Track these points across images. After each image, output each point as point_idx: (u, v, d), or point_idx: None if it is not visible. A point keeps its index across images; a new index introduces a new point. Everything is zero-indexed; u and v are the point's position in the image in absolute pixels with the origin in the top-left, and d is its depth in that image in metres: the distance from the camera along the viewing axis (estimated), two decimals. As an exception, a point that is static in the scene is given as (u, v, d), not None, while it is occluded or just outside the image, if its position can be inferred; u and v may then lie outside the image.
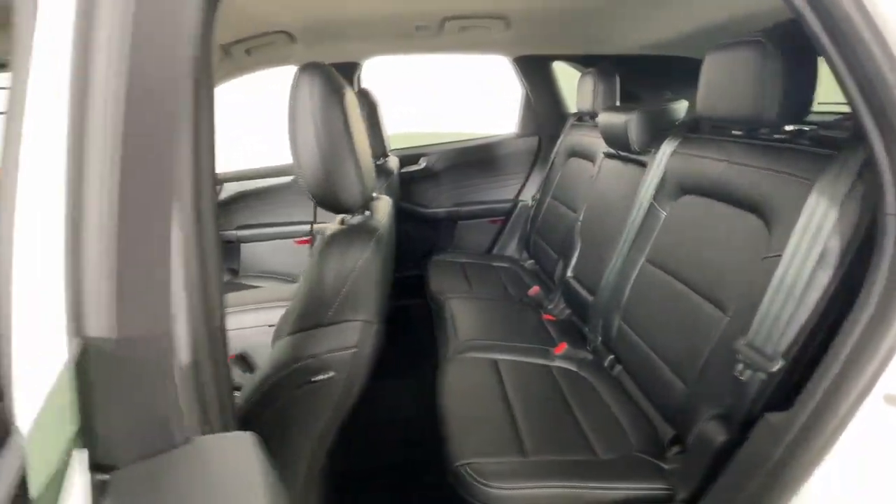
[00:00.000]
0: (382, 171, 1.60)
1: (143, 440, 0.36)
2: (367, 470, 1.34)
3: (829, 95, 0.81)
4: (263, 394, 0.71)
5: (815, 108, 0.84)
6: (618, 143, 1.36)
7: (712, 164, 0.99)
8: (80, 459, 0.35)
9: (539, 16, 1.60)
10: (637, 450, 0.94)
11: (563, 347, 1.31)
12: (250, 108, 3.38)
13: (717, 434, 0.78)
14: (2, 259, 0.36)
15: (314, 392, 0.75)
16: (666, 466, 0.89)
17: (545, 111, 2.20)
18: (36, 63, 0.36)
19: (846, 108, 0.62)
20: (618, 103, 1.66)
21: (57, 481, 0.33)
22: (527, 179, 2.28)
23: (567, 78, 2.20)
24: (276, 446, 0.61)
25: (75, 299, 0.35)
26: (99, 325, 0.35)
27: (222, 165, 2.23)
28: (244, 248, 2.21)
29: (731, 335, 0.84)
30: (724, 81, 0.89)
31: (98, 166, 0.36)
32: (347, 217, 0.84)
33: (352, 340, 0.76)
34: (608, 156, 1.53)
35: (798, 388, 0.66)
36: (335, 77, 0.74)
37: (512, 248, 2.27)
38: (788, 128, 0.89)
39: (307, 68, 0.71)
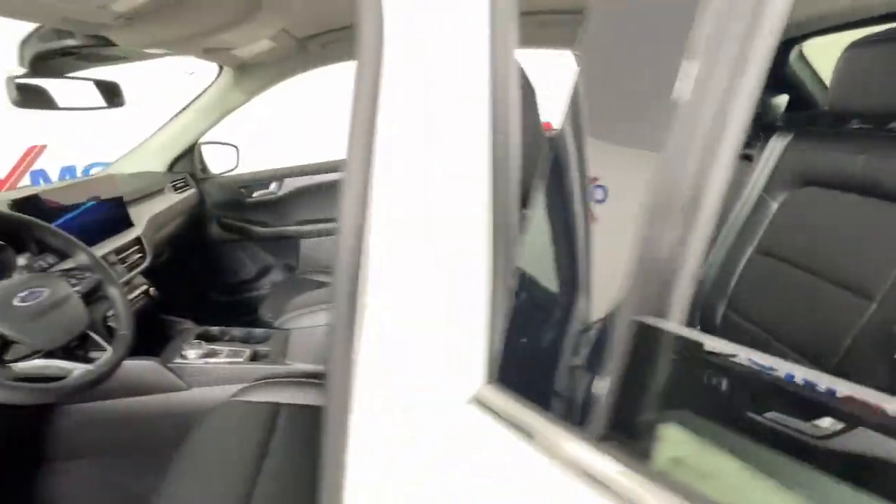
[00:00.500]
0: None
1: None
2: None
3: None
4: None
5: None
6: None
7: (847, 157, 1.01)
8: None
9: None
10: None
11: None
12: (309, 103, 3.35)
13: None
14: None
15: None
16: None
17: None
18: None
19: None
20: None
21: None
22: None
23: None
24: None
25: None
26: None
27: (282, 161, 2.23)
28: (303, 243, 2.21)
29: (881, 321, 0.86)
30: (878, 75, 0.91)
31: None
32: None
33: None
34: None
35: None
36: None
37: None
38: None
39: None
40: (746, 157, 1.31)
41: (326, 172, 2.14)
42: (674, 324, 0.31)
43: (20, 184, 4.30)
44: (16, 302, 0.81)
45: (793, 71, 1.55)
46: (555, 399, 0.37)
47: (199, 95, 1.84)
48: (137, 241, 1.43)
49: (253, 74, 1.74)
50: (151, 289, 1.43)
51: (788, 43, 1.57)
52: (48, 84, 1.05)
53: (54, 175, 4.48)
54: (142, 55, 1.31)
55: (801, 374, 0.26)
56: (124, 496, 1.31)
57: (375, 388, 0.44)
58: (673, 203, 0.30)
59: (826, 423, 0.26)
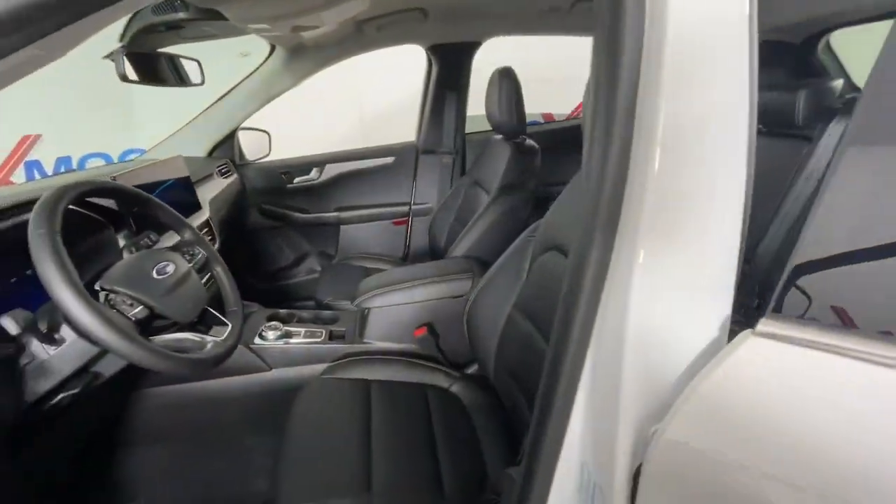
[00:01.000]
0: (523, 150, 1.64)
1: None
2: None
3: None
4: None
5: None
6: (778, 118, 1.44)
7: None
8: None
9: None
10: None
11: None
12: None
13: None
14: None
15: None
16: None
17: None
18: None
19: None
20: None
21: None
22: None
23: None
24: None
25: None
26: None
27: (324, 146, 2.21)
28: (342, 230, 2.20)
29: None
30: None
31: None
32: None
33: None
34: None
35: None
36: None
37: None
38: None
39: None
40: (807, 139, 1.38)
41: (367, 158, 2.14)
42: None
43: (13, 175, 4.13)
44: (154, 275, 0.80)
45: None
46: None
47: (243, 80, 1.82)
48: (207, 223, 1.42)
49: (306, 57, 1.72)
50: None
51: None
52: (152, 59, 1.03)
53: (49, 166, 4.31)
54: (231, 32, 1.29)
55: None
56: (199, 480, 1.31)
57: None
58: None
59: None
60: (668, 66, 0.43)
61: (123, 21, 1.00)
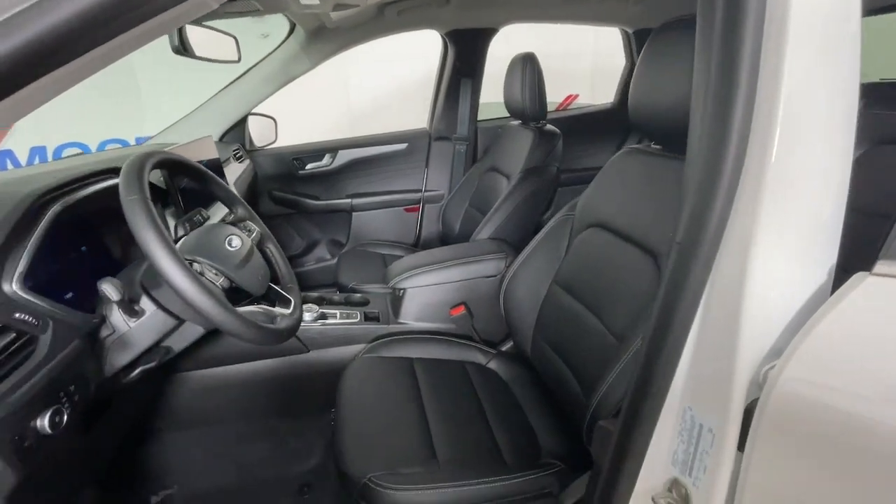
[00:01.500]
0: (545, 135, 1.67)
1: None
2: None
3: None
4: None
5: None
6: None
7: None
8: None
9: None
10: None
11: None
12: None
13: None
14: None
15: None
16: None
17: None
18: None
19: None
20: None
21: None
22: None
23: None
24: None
25: None
26: None
27: (341, 132, 2.19)
28: (354, 217, 2.19)
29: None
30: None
31: None
32: None
33: None
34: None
35: None
36: None
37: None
38: None
39: None
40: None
41: (380, 144, 2.13)
42: None
43: (-14, 165, 3.92)
44: (228, 248, 0.80)
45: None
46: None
47: (258, 63, 1.78)
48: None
49: (326, 39, 1.71)
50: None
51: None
52: (200, 32, 1.00)
53: (23, 156, 4.11)
54: (275, 7, 1.26)
55: None
56: (235, 464, 1.30)
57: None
58: None
59: None
60: (791, 48, 0.47)
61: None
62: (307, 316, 1.31)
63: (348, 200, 2.14)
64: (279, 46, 1.75)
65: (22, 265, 0.60)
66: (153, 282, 0.75)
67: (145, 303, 0.73)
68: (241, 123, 1.92)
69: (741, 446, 0.53)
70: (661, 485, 0.62)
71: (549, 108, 1.68)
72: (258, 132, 2.10)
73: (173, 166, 0.86)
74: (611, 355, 0.86)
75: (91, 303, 0.74)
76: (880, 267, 0.46)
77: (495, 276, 1.39)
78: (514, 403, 1.13)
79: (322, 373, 1.30)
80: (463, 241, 1.79)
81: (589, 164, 2.41)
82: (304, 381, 1.31)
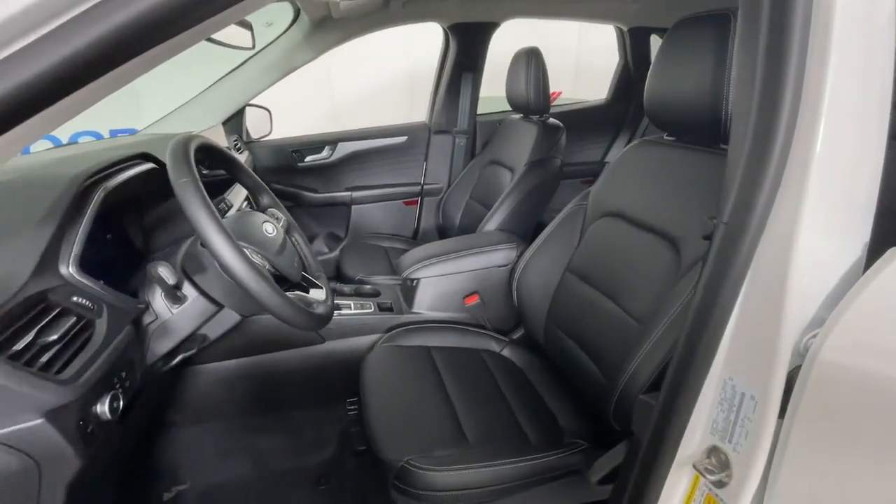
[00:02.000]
0: (548, 128, 1.71)
1: None
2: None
3: None
4: None
5: None
6: None
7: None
8: None
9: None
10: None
11: None
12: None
13: None
14: None
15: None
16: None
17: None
18: None
19: None
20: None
21: None
22: None
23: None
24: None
25: None
26: None
27: (340, 125, 2.17)
28: (353, 210, 2.18)
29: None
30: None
31: None
32: None
33: None
34: None
35: None
36: None
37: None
38: None
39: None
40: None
41: (380, 137, 2.13)
42: None
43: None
44: (265, 234, 0.80)
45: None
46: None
47: (259, 51, 1.75)
48: (246, 198, 1.38)
49: (330, 29, 1.69)
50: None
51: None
52: None
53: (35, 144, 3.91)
54: None
55: None
56: (252, 456, 1.29)
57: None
58: None
59: None
60: (835, 46, 0.51)
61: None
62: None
63: (347, 193, 2.13)
64: (282, 35, 1.72)
65: (77, 248, 0.58)
66: (195, 266, 0.74)
67: (187, 289, 0.72)
68: (238, 114, 1.88)
69: (781, 413, 0.57)
70: (700, 452, 0.66)
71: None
72: (253, 123, 2.06)
73: (207, 152, 0.85)
74: (633, 337, 0.90)
75: (126, 288, 0.73)
76: (913, 243, 0.51)
77: (506, 265, 1.42)
78: (531, 388, 1.17)
79: (338, 363, 1.31)
80: (465, 233, 1.81)
81: (582, 159, 2.48)
82: (320, 371, 1.31)
